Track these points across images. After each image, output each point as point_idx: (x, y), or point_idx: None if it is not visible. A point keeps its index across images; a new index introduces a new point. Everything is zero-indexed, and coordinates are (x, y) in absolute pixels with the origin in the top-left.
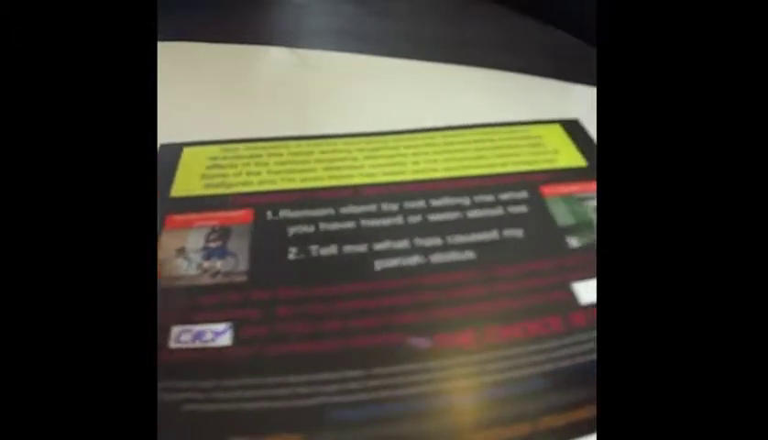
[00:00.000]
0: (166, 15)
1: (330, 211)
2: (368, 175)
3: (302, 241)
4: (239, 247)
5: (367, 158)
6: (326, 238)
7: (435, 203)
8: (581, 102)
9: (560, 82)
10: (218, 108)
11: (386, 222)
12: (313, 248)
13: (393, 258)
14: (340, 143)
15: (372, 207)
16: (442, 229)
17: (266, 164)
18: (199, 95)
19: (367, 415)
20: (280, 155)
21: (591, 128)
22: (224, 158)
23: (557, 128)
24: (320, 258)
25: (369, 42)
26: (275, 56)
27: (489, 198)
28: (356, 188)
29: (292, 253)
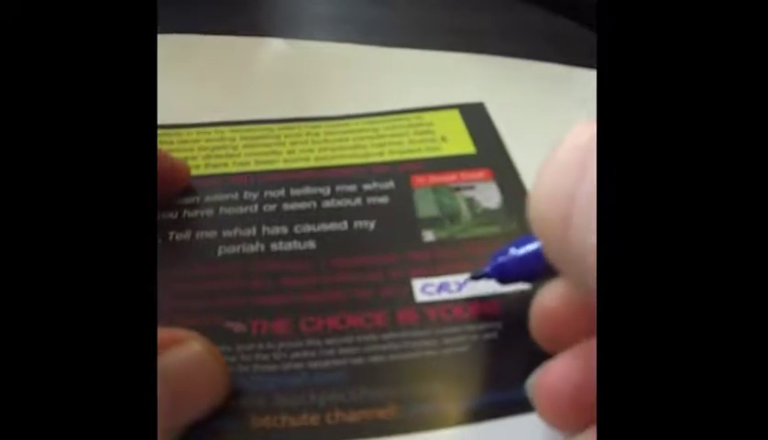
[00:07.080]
0: (161, 7)
1: (196, 199)
2: (242, 164)
3: (164, 227)
4: None
5: (246, 146)
6: (184, 225)
7: (294, 192)
8: (585, 85)
9: (563, 66)
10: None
11: (242, 210)
12: (170, 234)
13: (236, 244)
14: (227, 131)
15: (235, 195)
16: (292, 218)
17: None
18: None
19: None
20: (170, 143)
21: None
22: None
23: (454, 114)
24: (174, 243)
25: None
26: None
27: (351, 188)
28: (224, 177)
29: None
